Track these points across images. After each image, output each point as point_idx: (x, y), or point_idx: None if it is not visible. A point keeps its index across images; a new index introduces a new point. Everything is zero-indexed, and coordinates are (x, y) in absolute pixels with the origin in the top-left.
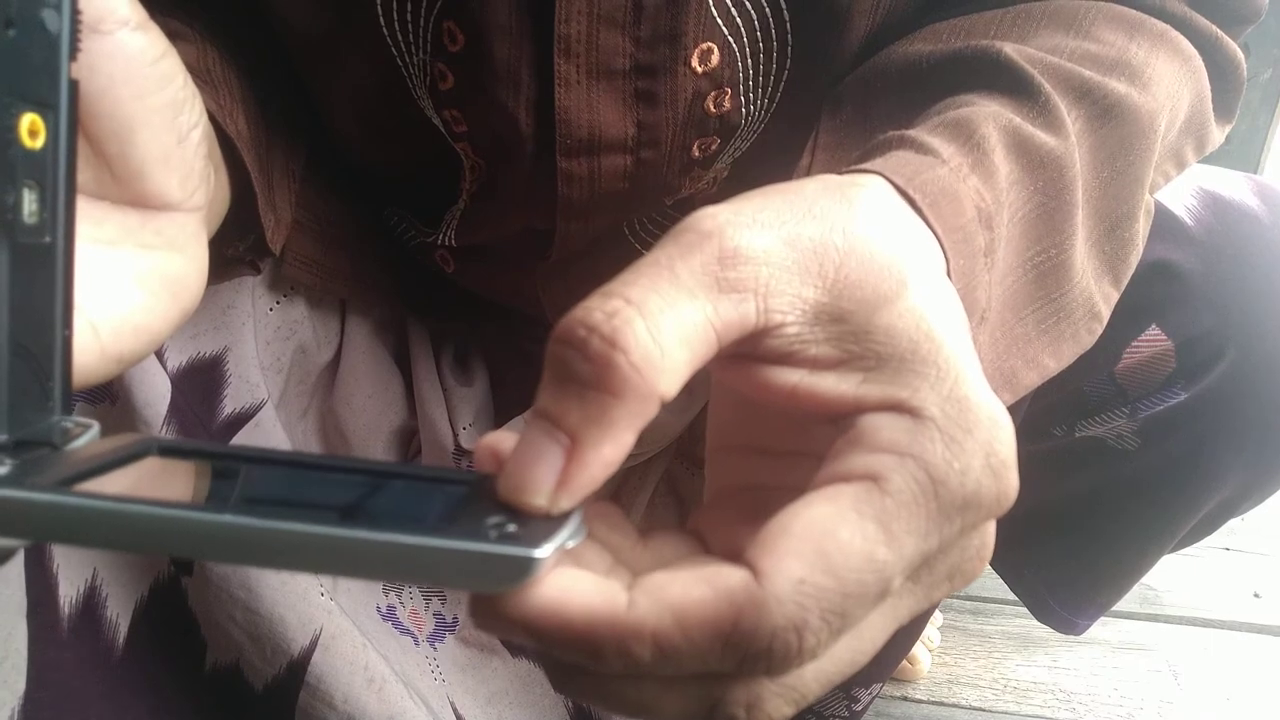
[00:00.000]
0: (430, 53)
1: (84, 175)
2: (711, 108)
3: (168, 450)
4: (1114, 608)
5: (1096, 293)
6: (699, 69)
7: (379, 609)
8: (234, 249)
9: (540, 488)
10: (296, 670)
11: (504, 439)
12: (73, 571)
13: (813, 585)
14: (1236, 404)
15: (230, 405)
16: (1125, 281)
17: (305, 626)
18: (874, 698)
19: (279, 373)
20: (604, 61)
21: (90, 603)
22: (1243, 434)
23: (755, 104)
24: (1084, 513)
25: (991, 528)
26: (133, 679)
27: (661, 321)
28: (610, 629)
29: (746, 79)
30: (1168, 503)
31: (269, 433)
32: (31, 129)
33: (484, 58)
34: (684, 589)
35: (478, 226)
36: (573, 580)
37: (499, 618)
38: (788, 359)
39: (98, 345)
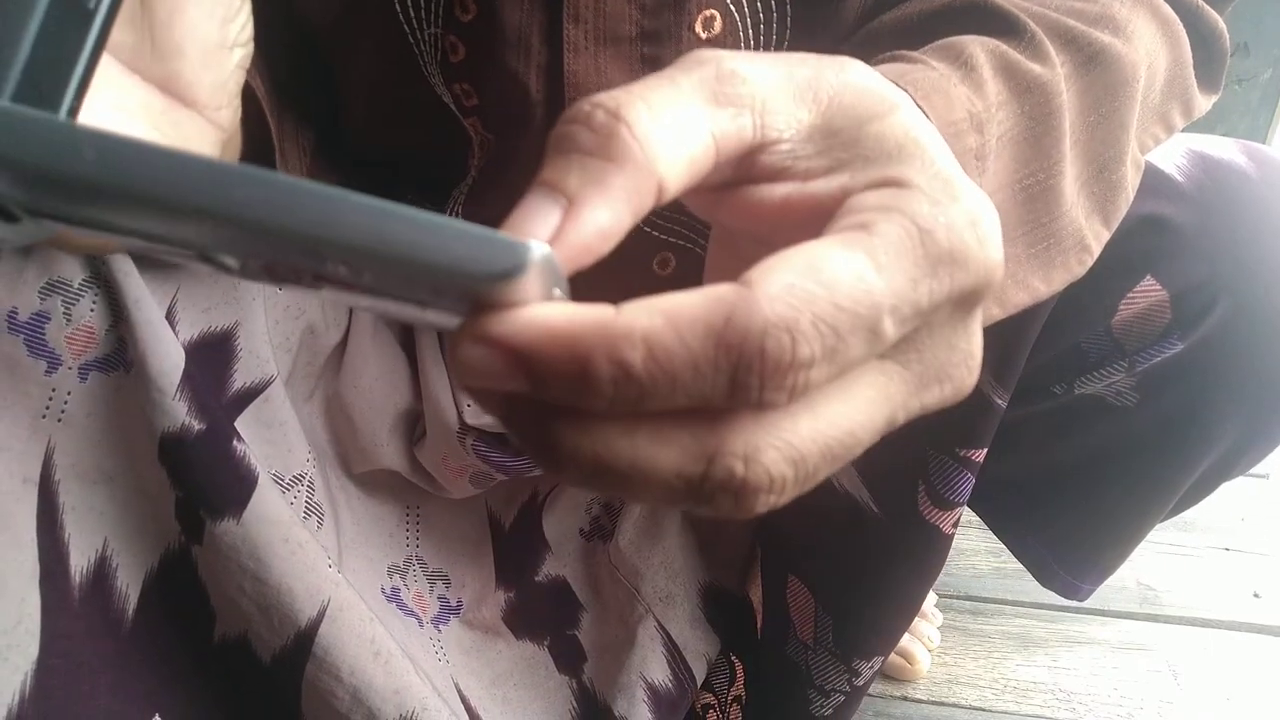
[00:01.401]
0: (442, 25)
1: (127, 37)
2: None
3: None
4: (1113, 608)
5: (1086, 228)
6: (702, 35)
7: (383, 590)
8: None
9: (535, 237)
10: (304, 641)
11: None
12: (84, 541)
13: (803, 289)
14: (1231, 353)
15: (240, 379)
16: (1115, 222)
17: (313, 597)
18: (874, 674)
19: (288, 352)
20: (611, 27)
21: (101, 572)
22: (1239, 382)
23: None
24: (1085, 473)
25: (978, 333)
26: (142, 649)
27: (664, 113)
28: (601, 333)
29: (748, 48)
30: (1168, 458)
31: (278, 408)
32: None
33: (496, 26)
34: (675, 297)
35: (485, 201)
36: (559, 305)
37: (485, 339)
38: (780, 175)
39: None
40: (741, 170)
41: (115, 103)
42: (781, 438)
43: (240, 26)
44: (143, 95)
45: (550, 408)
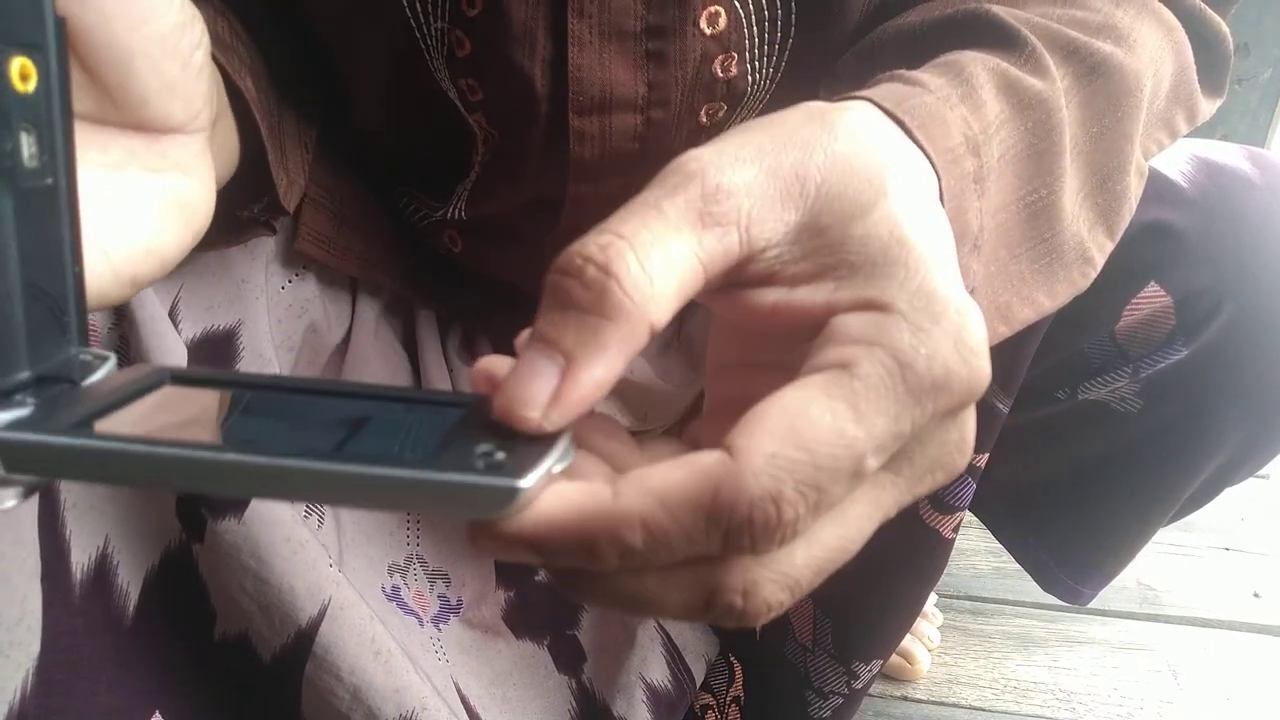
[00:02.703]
0: (449, 20)
1: (85, 103)
2: (719, 72)
3: (179, 379)
4: (1114, 608)
5: (1089, 240)
6: (707, 31)
7: (384, 589)
8: (249, 210)
9: (535, 401)
10: (304, 640)
11: (499, 362)
12: (85, 539)
13: (784, 458)
14: (1235, 359)
15: None
16: (1118, 233)
17: (314, 596)
18: (873, 677)
19: (290, 351)
20: (616, 22)
21: (102, 570)
22: (1243, 389)
23: (760, 72)
24: (1088, 478)
25: (970, 421)
26: (142, 647)
27: (651, 254)
28: (601, 521)
29: (752, 45)
30: (1171, 464)
31: None
32: (23, 72)
33: (501, 20)
34: (664, 473)
35: (488, 197)
36: (560, 490)
37: (495, 539)
38: (769, 280)
39: (110, 269)
40: (731, 277)
41: (99, 162)
42: (779, 570)
43: (192, 31)
44: (123, 143)
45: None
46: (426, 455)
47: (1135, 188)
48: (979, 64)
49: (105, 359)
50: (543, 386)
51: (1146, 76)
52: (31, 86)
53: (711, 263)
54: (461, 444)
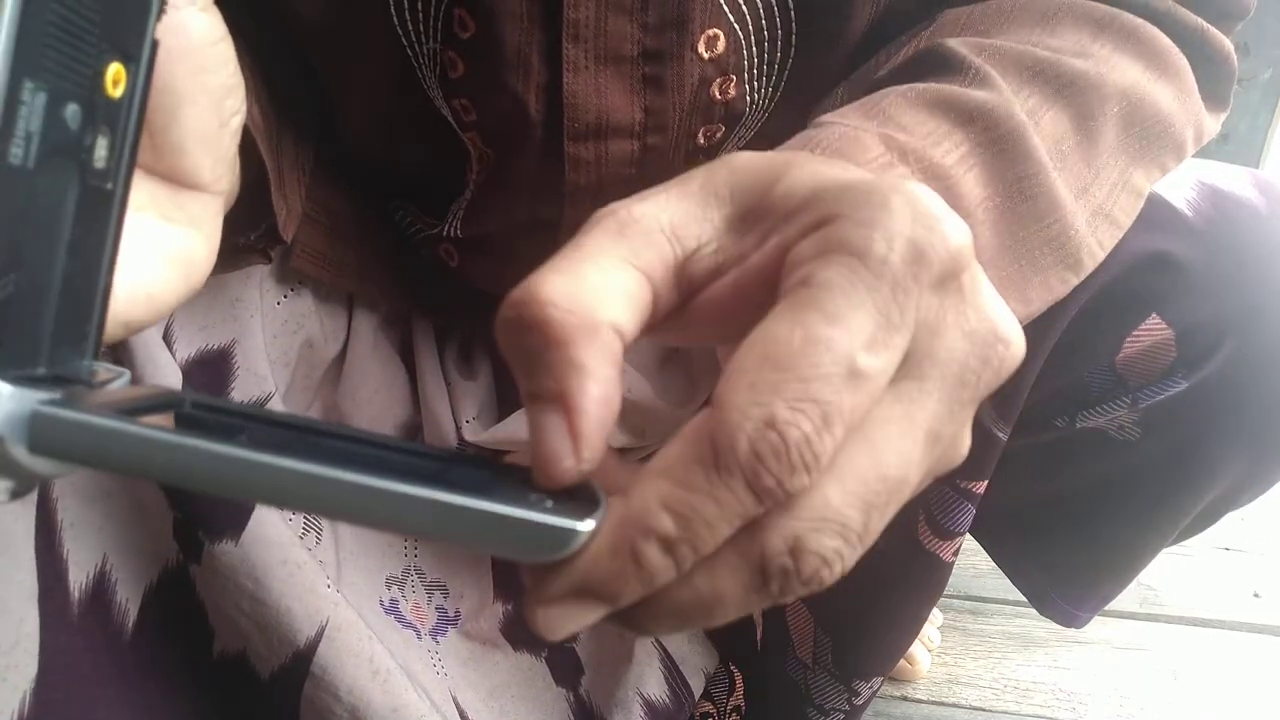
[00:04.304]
0: (441, 41)
1: None
2: (717, 94)
3: (199, 407)
4: (1113, 608)
5: (1090, 237)
6: (705, 55)
7: (382, 602)
8: (245, 238)
9: (562, 452)
10: (302, 660)
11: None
12: (83, 557)
13: (765, 382)
14: (1236, 393)
15: (238, 397)
16: (1109, 246)
17: (312, 618)
18: (874, 693)
19: (286, 366)
20: (612, 47)
21: (100, 588)
22: (1242, 422)
23: (760, 92)
24: (1085, 504)
25: (986, 296)
26: (142, 664)
27: (579, 271)
28: (627, 525)
29: (751, 66)
30: (1169, 493)
31: None
32: (115, 78)
33: (494, 44)
34: (662, 453)
35: (484, 216)
36: None
37: (552, 599)
38: (721, 270)
39: (110, 307)
40: (685, 286)
41: None
42: (816, 516)
43: (236, 96)
44: (149, 188)
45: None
46: (483, 491)
47: (1125, 203)
48: (895, 93)
49: (119, 374)
50: (560, 437)
51: (1121, 98)
52: (119, 93)
53: (649, 268)
54: (511, 488)
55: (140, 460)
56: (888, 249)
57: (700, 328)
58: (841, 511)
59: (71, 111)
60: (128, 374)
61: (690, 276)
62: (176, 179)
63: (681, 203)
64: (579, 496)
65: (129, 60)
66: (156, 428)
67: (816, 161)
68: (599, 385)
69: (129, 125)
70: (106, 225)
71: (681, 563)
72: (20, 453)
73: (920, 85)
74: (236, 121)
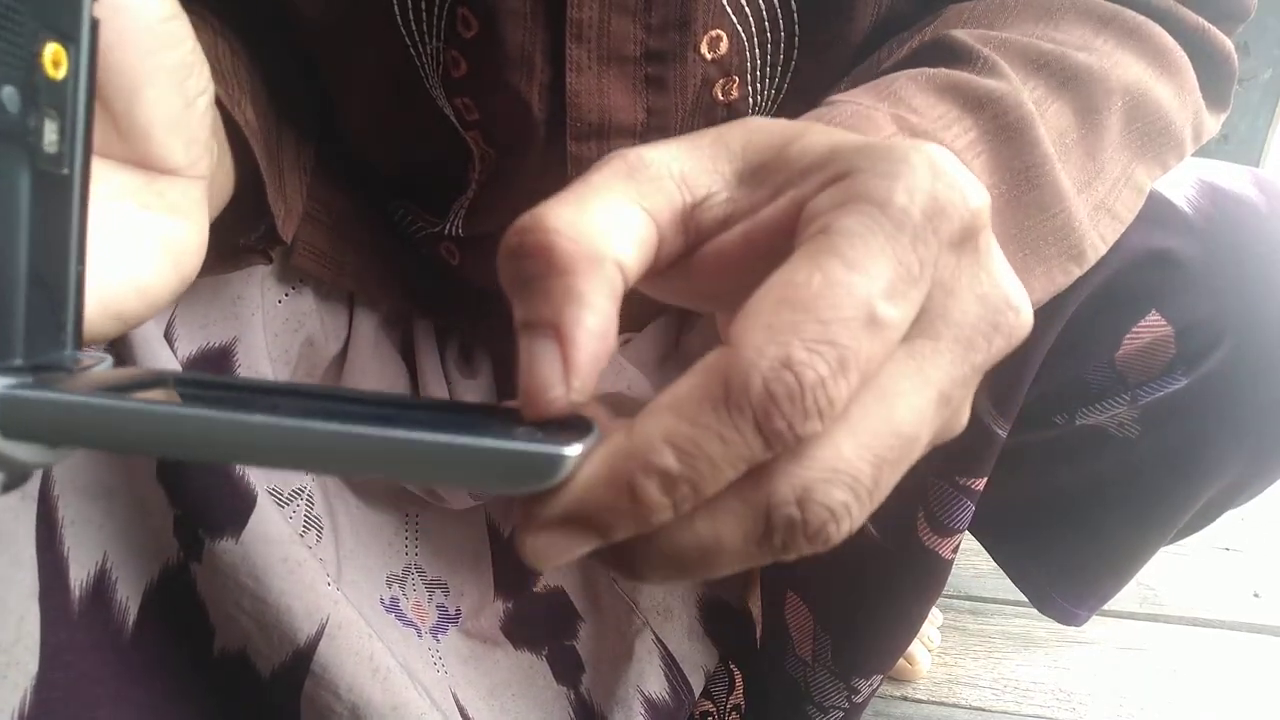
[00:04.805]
0: (444, 40)
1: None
2: (719, 95)
3: (185, 383)
4: (1113, 608)
5: (1084, 234)
6: (708, 56)
7: (382, 600)
8: (245, 238)
9: (552, 381)
10: (303, 658)
11: None
12: (83, 554)
13: (783, 322)
14: (1235, 390)
15: None
16: (1111, 239)
17: (312, 615)
18: (874, 691)
19: (286, 364)
20: (615, 47)
21: (100, 586)
22: (1242, 420)
23: (762, 93)
24: (1085, 502)
25: (1000, 266)
26: (142, 662)
27: (588, 204)
28: (628, 457)
29: (754, 68)
30: (1169, 491)
31: None
32: (55, 59)
33: (497, 43)
34: (672, 388)
35: (486, 215)
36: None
37: (543, 525)
38: (729, 221)
39: (98, 299)
40: (692, 235)
41: (94, 191)
42: (827, 466)
43: (199, 76)
44: (120, 177)
45: (618, 544)
46: (470, 429)
47: (1128, 199)
48: (906, 76)
49: (101, 359)
50: (551, 365)
51: (1125, 94)
52: (61, 75)
53: (656, 210)
54: (499, 426)
55: (118, 433)
56: (909, 200)
57: (701, 280)
58: (853, 464)
59: (8, 94)
60: (109, 359)
61: (697, 226)
62: (149, 164)
63: (693, 153)
64: (569, 427)
65: (68, 40)
66: (131, 399)
67: (831, 129)
68: (596, 318)
69: (77, 107)
70: (69, 211)
71: (680, 503)
72: None
73: (930, 70)
74: (204, 101)
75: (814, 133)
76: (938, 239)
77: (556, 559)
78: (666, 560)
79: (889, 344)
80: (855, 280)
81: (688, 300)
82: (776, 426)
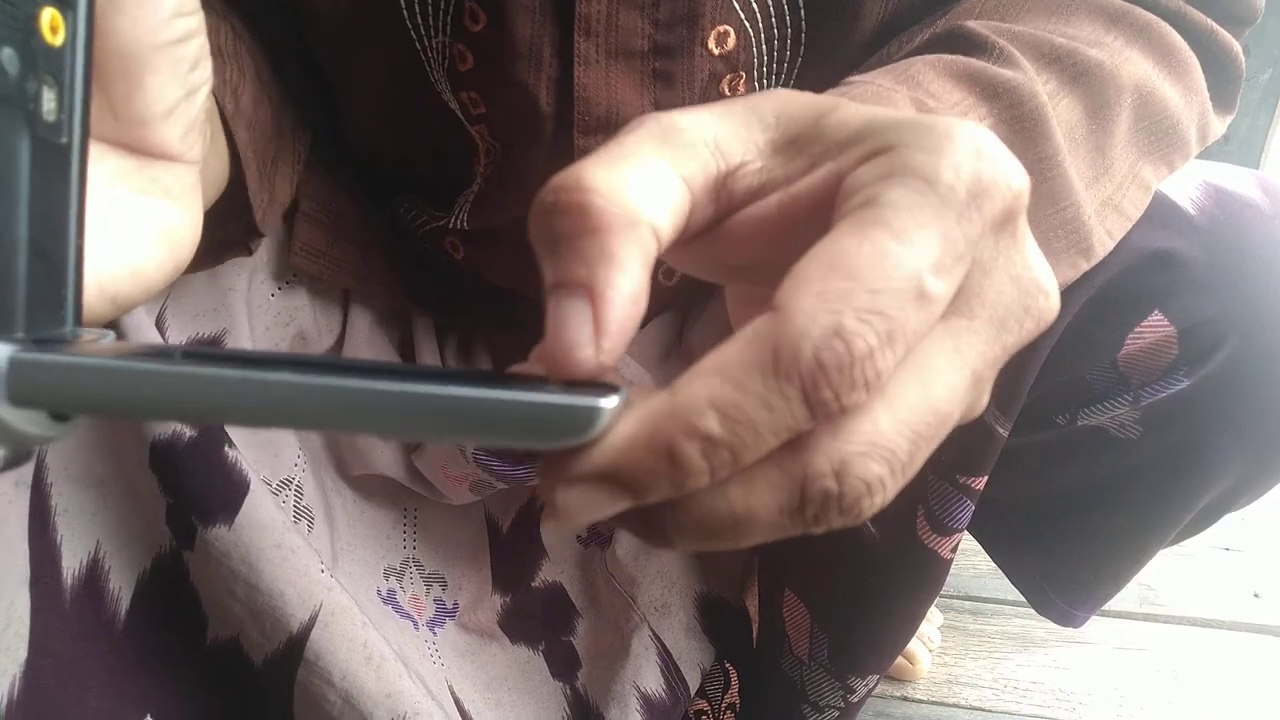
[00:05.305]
0: (451, 34)
1: None
2: (726, 91)
3: (191, 356)
4: (1113, 608)
5: (1099, 226)
6: (715, 51)
7: (379, 592)
8: (226, 230)
9: (581, 341)
10: (296, 646)
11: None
12: (76, 543)
13: (834, 289)
14: (1238, 392)
15: None
16: (1118, 235)
17: (305, 602)
18: (870, 691)
19: None
20: (623, 41)
21: (93, 574)
22: (1244, 421)
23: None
24: (1085, 503)
25: (1033, 251)
26: (134, 650)
27: (620, 165)
28: (670, 419)
29: (761, 64)
30: (1169, 492)
31: None
32: (52, 25)
33: (506, 37)
34: (718, 351)
35: (491, 209)
36: (624, 414)
37: (576, 479)
38: (763, 190)
39: (93, 281)
40: (723, 203)
41: (89, 174)
42: (865, 440)
43: (203, 68)
44: (114, 161)
45: (648, 507)
46: (499, 386)
47: (1135, 196)
48: (923, 61)
49: (104, 334)
50: (581, 324)
51: (1133, 92)
52: (59, 41)
53: (691, 177)
54: (526, 385)
55: (128, 395)
56: (955, 177)
57: (729, 250)
58: (891, 438)
59: (8, 55)
60: (112, 334)
61: (730, 194)
62: (144, 150)
63: (726, 120)
64: (596, 389)
65: (64, 6)
66: (141, 360)
67: (863, 105)
68: (630, 281)
69: (75, 74)
70: (68, 181)
71: (718, 468)
72: (3, 409)
73: (948, 57)
74: (204, 90)
75: (847, 106)
76: (981, 218)
77: (585, 516)
78: (696, 527)
79: (932, 319)
80: (904, 252)
81: (711, 271)
82: (823, 396)
